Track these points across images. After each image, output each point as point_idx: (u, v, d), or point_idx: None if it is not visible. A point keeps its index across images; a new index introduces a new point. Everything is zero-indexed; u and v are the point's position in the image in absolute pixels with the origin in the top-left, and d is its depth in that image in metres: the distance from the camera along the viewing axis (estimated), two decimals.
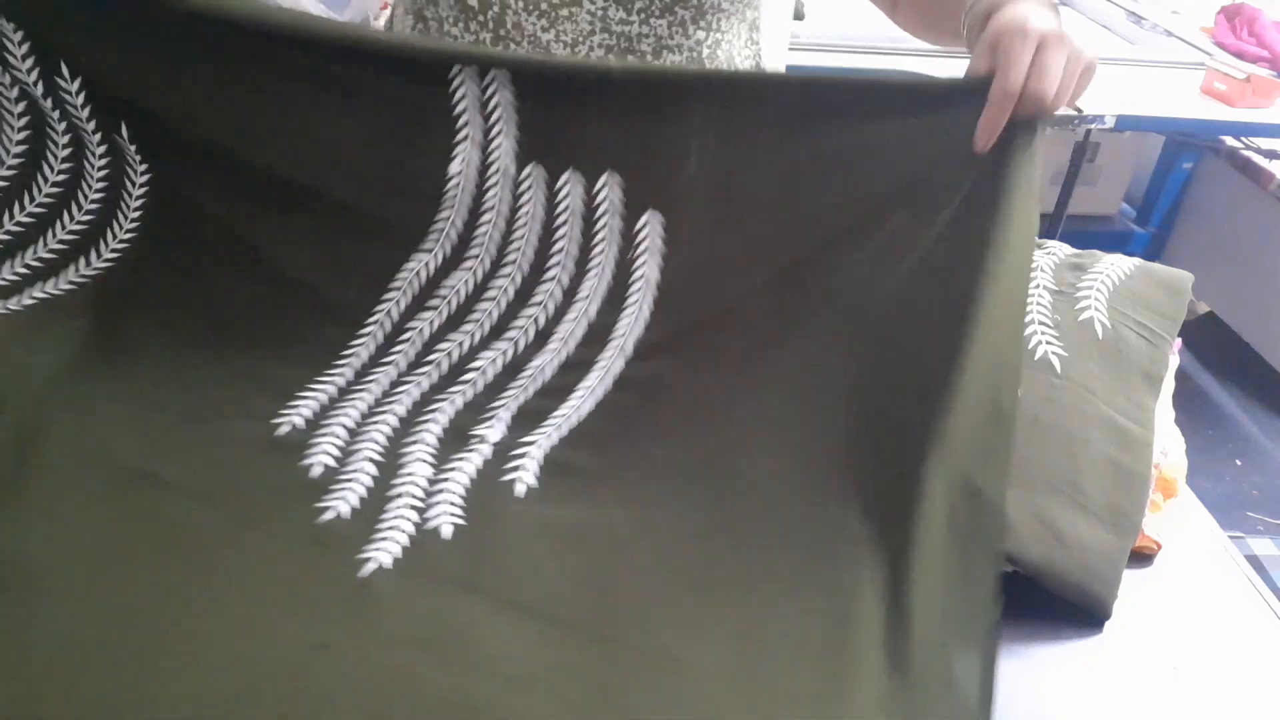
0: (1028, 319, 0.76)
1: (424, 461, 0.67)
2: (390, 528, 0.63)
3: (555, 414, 0.71)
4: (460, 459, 0.68)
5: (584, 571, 0.62)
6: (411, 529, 0.63)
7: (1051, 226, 1.89)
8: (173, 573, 0.60)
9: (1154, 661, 0.64)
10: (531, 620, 0.58)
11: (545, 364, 0.73)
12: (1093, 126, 1.61)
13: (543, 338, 0.74)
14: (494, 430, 0.69)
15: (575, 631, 0.58)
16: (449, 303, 0.74)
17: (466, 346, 0.74)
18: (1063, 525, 0.66)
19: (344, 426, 0.68)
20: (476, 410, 0.71)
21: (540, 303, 0.74)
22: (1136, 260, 0.84)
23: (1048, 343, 0.74)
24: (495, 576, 0.61)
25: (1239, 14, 2.07)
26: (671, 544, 0.64)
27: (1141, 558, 0.71)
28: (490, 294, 0.75)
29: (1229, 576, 0.72)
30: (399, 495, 0.65)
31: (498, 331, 0.74)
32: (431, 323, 0.74)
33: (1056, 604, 0.66)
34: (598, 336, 0.74)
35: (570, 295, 0.74)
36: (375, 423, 0.69)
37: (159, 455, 0.65)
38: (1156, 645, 0.65)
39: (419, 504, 0.65)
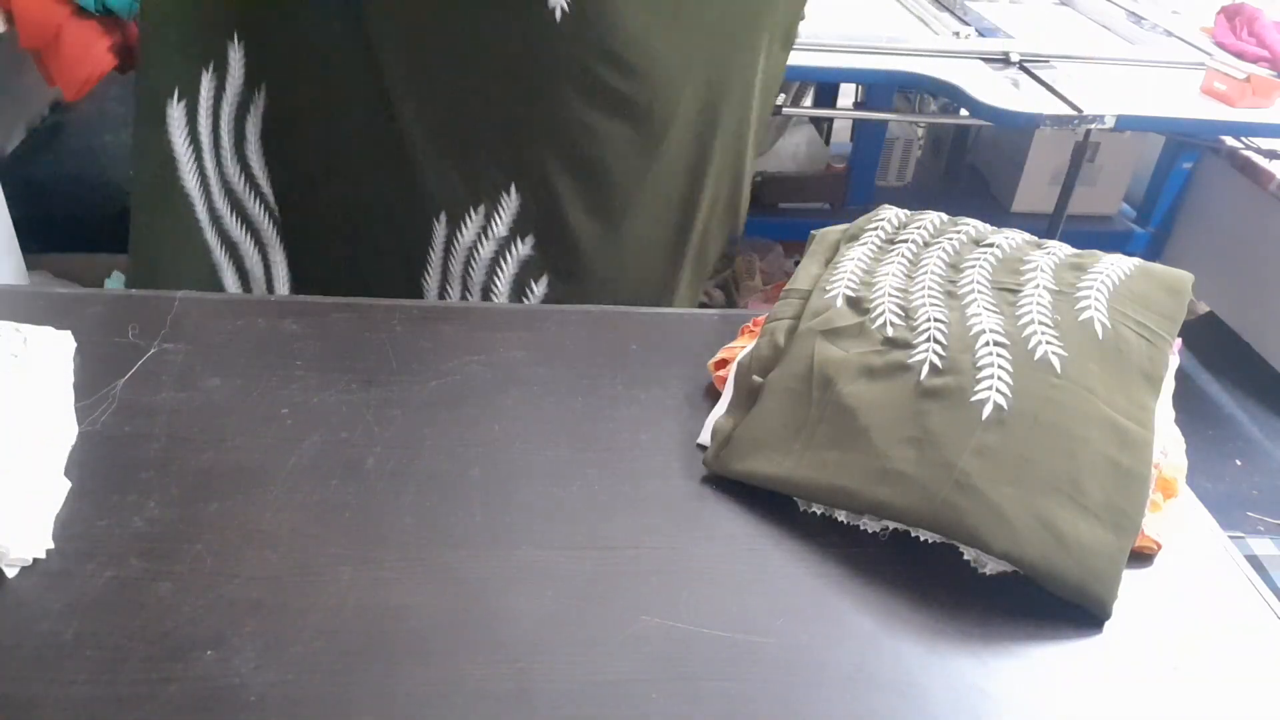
0: (1028, 319, 0.76)
1: None
2: None
3: None
4: None
5: None
6: None
7: (1051, 226, 1.89)
8: None
9: (1154, 661, 0.64)
10: None
11: None
12: (1093, 126, 1.60)
13: None
14: None
15: None
16: None
17: None
18: (1063, 525, 0.66)
19: None
20: None
21: None
22: (1136, 260, 0.84)
23: (1048, 343, 0.74)
24: None
25: (1239, 14, 2.07)
26: None
27: (1141, 558, 0.71)
28: None
29: (1229, 576, 0.72)
30: None
31: None
32: None
33: (1056, 604, 0.66)
34: None
35: None
36: None
37: None
38: (1156, 645, 0.65)
39: None
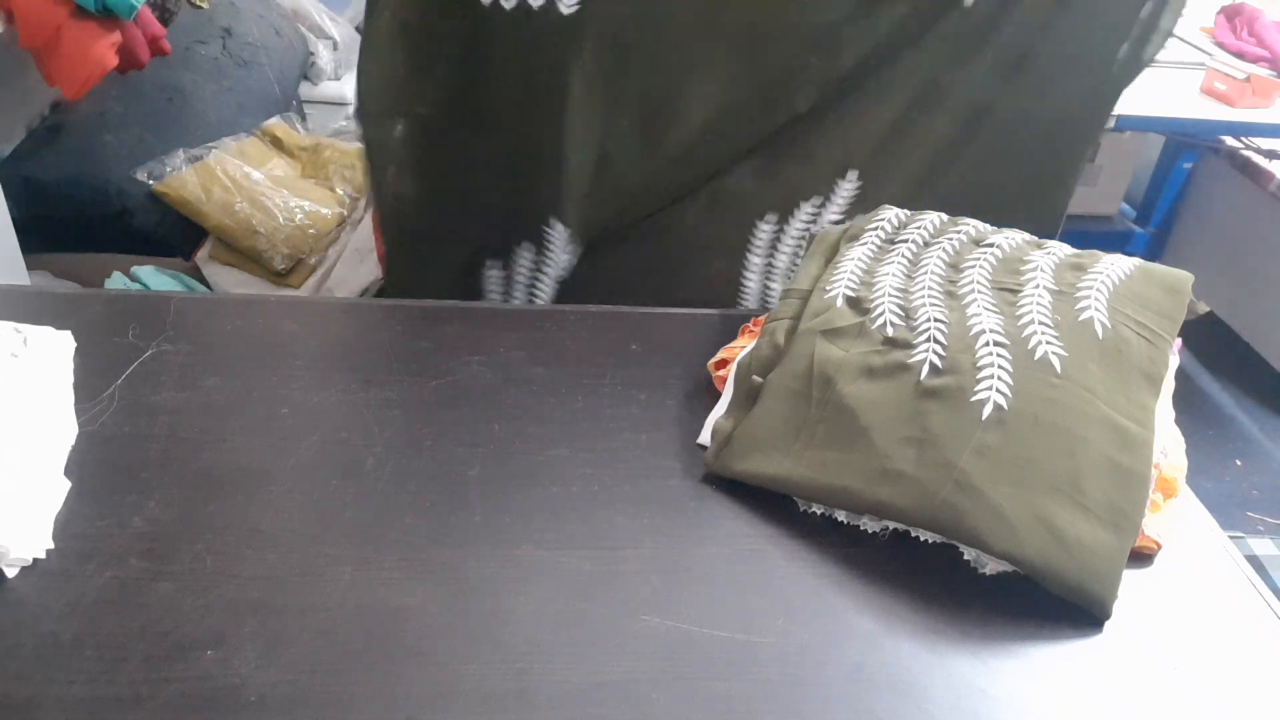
0: (1028, 319, 0.76)
1: None
2: None
3: None
4: None
5: None
6: None
7: None
8: None
9: (1154, 661, 0.64)
10: None
11: None
12: None
13: None
14: None
15: None
16: None
17: None
18: (1063, 525, 0.66)
19: None
20: None
21: None
22: (1136, 260, 0.84)
23: (1048, 343, 0.74)
24: None
25: (1239, 14, 2.07)
26: None
27: (1141, 558, 0.71)
28: None
29: (1229, 576, 0.72)
30: None
31: None
32: None
33: (1056, 604, 0.66)
34: None
35: None
36: None
37: None
38: (1156, 645, 0.65)
39: None
